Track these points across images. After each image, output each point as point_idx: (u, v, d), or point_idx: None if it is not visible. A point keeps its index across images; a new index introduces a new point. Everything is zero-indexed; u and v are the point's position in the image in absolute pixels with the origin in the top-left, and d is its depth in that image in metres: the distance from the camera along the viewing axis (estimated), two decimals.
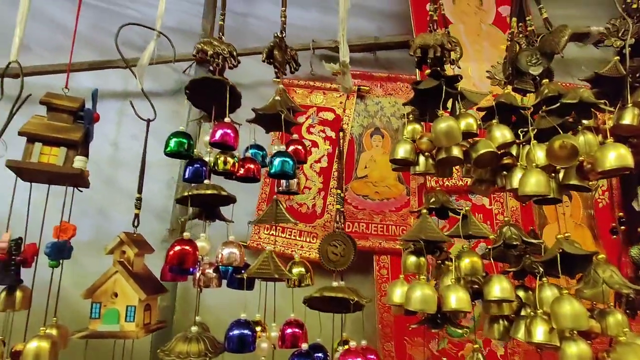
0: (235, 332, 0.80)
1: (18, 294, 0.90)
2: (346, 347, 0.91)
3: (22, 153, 0.88)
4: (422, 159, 0.95)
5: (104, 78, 2.27)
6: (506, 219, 0.97)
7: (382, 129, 2.10)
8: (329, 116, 2.13)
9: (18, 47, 0.96)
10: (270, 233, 1.93)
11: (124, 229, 1.08)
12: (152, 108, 1.01)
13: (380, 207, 2.02)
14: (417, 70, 1.01)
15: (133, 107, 0.98)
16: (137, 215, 0.98)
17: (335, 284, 0.87)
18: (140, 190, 1.00)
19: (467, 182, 1.97)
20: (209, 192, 0.85)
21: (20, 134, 0.88)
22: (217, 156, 0.95)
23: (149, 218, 1.97)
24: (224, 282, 0.95)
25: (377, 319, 1.79)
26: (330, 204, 2.01)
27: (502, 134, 0.93)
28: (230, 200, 0.91)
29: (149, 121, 1.01)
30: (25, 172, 0.89)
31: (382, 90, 2.20)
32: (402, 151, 0.94)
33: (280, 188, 1.01)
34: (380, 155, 2.09)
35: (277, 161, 0.89)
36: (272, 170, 0.90)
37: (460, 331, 0.90)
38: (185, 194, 0.85)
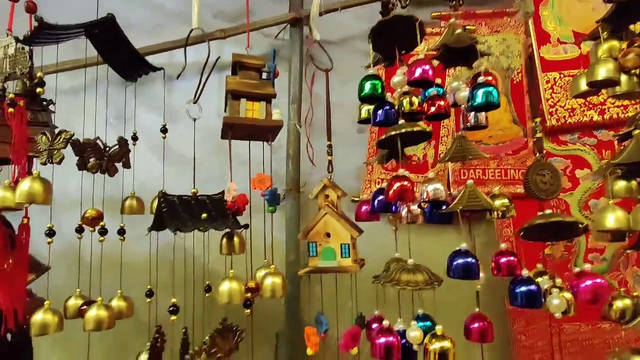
0: (460, 261, 0.84)
1: (236, 239, 1.00)
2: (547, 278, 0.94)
3: (228, 110, 0.95)
4: (624, 77, 0.91)
5: (200, 51, 2.34)
6: None
7: (491, 70, 2.01)
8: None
9: (197, 15, 1.01)
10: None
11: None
12: (329, 58, 1.03)
13: (495, 152, 1.97)
14: None
15: (312, 59, 1.00)
16: (330, 162, 1.03)
17: (548, 211, 0.88)
18: (329, 138, 1.04)
19: (592, 117, 1.87)
20: (416, 129, 0.87)
21: (229, 91, 0.94)
22: (402, 98, 0.96)
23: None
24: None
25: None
26: (441, 153, 1.99)
27: None
28: (428, 135, 0.93)
29: (327, 71, 1.03)
30: (235, 127, 0.95)
31: (487, 29, 2.08)
32: (604, 71, 0.90)
33: (468, 124, 1.01)
34: None
35: (480, 93, 0.88)
36: (475, 103, 0.90)
37: None
38: (392, 132, 0.88)
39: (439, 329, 0.86)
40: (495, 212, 0.94)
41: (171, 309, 0.94)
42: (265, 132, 0.97)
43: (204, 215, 0.95)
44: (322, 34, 2.02)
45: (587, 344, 1.72)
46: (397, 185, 0.85)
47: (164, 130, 1.14)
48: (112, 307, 1.00)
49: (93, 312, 0.95)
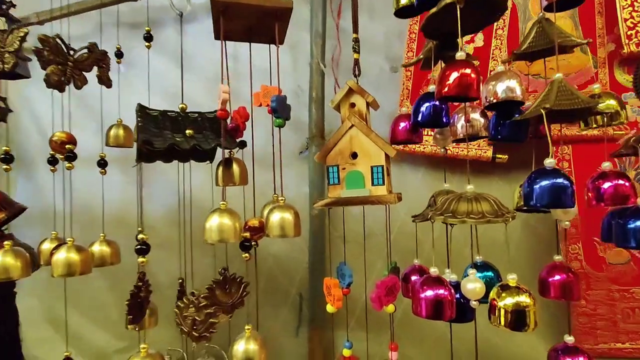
0: (546, 182, 0.57)
1: (235, 167, 0.76)
2: None
3: None
4: None
5: None
6: None
7: None
8: None
9: None
10: (427, 133, 1.64)
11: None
12: None
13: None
14: None
15: None
16: (357, 62, 0.76)
17: None
18: (355, 29, 0.77)
19: None
20: None
21: None
22: None
23: (283, 129, 1.84)
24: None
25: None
26: (492, 70, 1.66)
27: None
28: (502, 6, 0.64)
29: None
30: (227, 14, 0.70)
31: None
32: None
33: None
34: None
35: None
36: None
37: None
38: (448, 0, 0.60)
39: (512, 279, 0.60)
40: (598, 117, 0.65)
41: (138, 247, 0.72)
42: (268, 20, 0.71)
43: (190, 131, 0.72)
44: None
45: None
46: (454, 75, 0.57)
47: (148, 38, 0.90)
48: (88, 250, 0.80)
49: (62, 255, 0.75)
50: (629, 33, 1.54)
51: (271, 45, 0.82)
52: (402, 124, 0.75)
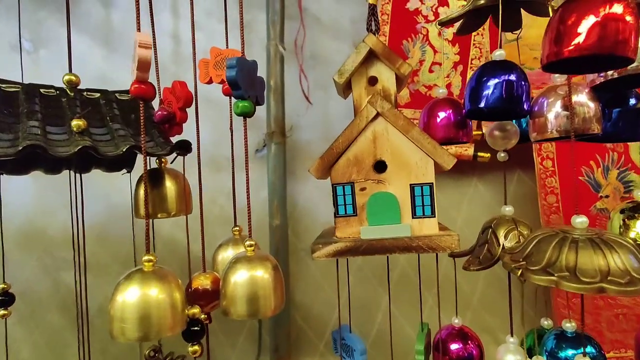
0: None
1: (169, 184, 0.42)
2: None
3: None
4: None
5: None
6: None
7: None
8: None
9: None
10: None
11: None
12: None
13: (540, 78, 1.45)
14: None
15: None
16: (373, 7, 0.45)
17: None
18: None
19: None
20: None
21: None
22: None
23: (237, 126, 1.51)
24: None
25: (540, 215, 1.35)
26: None
27: None
28: None
29: None
30: None
31: None
32: None
33: None
34: None
35: None
36: None
37: None
38: None
39: None
40: None
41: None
42: None
43: (78, 122, 0.36)
44: None
45: None
46: (591, 20, 0.29)
47: None
48: None
49: None
50: None
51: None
52: (443, 114, 0.45)
